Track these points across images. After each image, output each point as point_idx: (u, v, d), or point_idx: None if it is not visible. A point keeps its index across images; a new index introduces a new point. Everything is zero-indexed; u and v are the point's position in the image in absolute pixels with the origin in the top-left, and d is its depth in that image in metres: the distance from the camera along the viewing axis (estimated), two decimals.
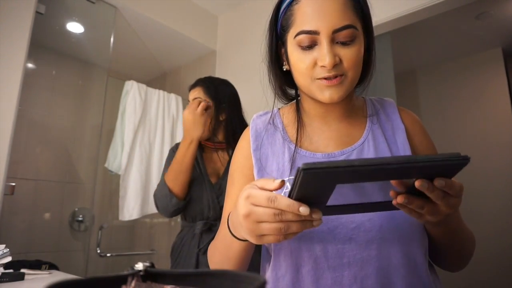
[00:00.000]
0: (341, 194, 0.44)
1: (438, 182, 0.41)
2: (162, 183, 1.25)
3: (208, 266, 1.20)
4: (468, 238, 0.63)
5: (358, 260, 0.56)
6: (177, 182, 1.21)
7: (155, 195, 1.30)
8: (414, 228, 0.58)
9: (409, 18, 1.73)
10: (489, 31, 2.84)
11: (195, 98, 1.31)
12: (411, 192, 0.44)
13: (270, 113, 0.75)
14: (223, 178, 1.31)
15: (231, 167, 0.73)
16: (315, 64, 0.59)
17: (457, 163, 0.38)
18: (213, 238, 1.25)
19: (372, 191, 0.46)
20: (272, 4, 0.67)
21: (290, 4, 0.62)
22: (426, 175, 0.41)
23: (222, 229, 0.63)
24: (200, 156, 1.35)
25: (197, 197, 1.29)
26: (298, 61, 0.60)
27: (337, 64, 0.57)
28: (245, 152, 0.71)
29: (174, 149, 1.37)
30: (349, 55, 0.58)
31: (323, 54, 0.57)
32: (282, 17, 0.64)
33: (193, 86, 1.37)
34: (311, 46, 0.59)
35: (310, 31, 0.58)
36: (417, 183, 0.41)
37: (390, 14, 1.72)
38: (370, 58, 0.66)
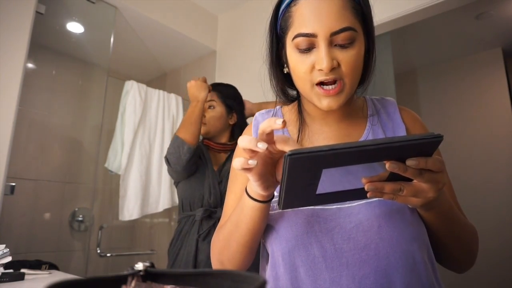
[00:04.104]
0: (332, 184, 0.45)
1: (410, 161, 0.43)
2: (174, 138, 1.36)
3: (206, 252, 1.27)
4: (467, 228, 0.62)
5: (357, 260, 0.56)
6: (188, 132, 1.34)
7: (167, 153, 1.36)
8: (414, 228, 0.58)
9: (409, 18, 1.73)
10: (489, 31, 2.84)
11: (209, 100, 1.46)
12: (395, 177, 0.46)
13: (272, 112, 0.76)
14: (223, 165, 1.40)
15: (232, 168, 0.74)
16: (313, 67, 0.58)
17: (431, 141, 0.40)
18: (213, 225, 1.29)
19: (360, 179, 0.48)
20: (272, 4, 0.67)
21: (288, 6, 0.61)
22: (405, 156, 0.43)
23: (232, 215, 0.63)
24: (207, 152, 1.46)
25: (198, 182, 1.36)
26: (297, 64, 0.60)
27: (334, 67, 0.57)
28: None
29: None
30: (348, 58, 0.57)
31: (320, 57, 0.56)
32: (281, 18, 0.63)
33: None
34: (309, 49, 0.58)
35: (308, 33, 0.57)
36: (387, 165, 0.43)
37: (390, 14, 1.72)
38: (370, 59, 0.65)
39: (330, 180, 0.45)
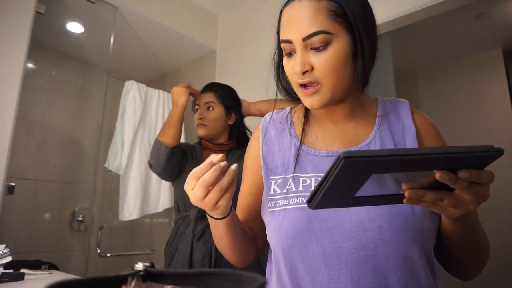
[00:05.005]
0: (367, 187, 0.44)
1: (462, 174, 0.41)
2: (154, 142, 1.42)
3: (201, 252, 1.29)
4: (485, 240, 0.61)
5: (355, 259, 0.56)
6: (166, 134, 1.39)
7: (149, 157, 1.43)
8: (416, 231, 0.57)
9: (409, 18, 1.73)
10: (489, 31, 2.84)
11: (208, 102, 1.46)
12: (435, 185, 0.43)
13: (282, 112, 0.78)
14: None
15: (243, 164, 0.77)
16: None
17: (491, 155, 0.38)
18: (207, 225, 1.30)
19: (393, 185, 0.46)
20: (272, 4, 0.68)
21: (281, 12, 0.65)
22: (457, 166, 0.41)
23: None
24: (200, 152, 1.47)
25: None
26: (285, 67, 0.65)
27: (307, 71, 0.60)
28: (254, 150, 0.75)
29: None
30: (321, 61, 0.59)
31: (295, 61, 0.61)
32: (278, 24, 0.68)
33: (204, 90, 1.51)
34: (291, 53, 0.63)
35: (285, 40, 0.62)
36: (437, 175, 0.41)
37: (390, 14, 1.72)
38: (362, 59, 0.61)
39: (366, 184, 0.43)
